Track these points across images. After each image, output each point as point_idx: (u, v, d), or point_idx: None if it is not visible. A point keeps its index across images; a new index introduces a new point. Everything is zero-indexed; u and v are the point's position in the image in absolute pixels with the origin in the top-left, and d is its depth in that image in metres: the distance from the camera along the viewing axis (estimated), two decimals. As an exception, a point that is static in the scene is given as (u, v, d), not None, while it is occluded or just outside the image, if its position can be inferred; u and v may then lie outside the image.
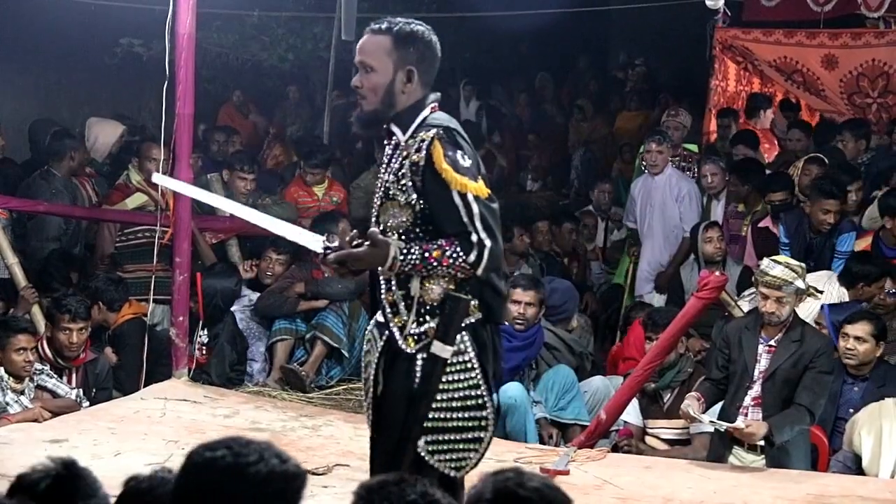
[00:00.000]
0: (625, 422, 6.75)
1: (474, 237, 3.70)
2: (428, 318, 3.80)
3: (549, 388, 7.02)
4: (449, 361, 3.75)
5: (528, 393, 6.85)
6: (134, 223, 8.14)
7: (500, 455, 6.03)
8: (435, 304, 3.78)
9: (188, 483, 2.64)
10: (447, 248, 3.72)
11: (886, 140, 9.41)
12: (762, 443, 5.94)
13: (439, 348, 3.74)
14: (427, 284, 3.78)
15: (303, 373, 7.69)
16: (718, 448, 6.20)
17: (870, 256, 7.29)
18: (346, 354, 7.96)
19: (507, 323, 7.01)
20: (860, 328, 6.32)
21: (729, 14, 10.41)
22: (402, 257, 3.72)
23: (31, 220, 8.27)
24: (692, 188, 9.01)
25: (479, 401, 3.81)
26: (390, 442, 3.84)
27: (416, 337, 3.82)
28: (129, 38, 12.02)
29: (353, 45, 4.21)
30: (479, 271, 3.72)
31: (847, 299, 7.02)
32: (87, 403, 6.62)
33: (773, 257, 6.23)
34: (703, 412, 6.07)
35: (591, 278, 9.95)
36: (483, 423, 3.83)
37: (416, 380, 3.79)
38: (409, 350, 3.81)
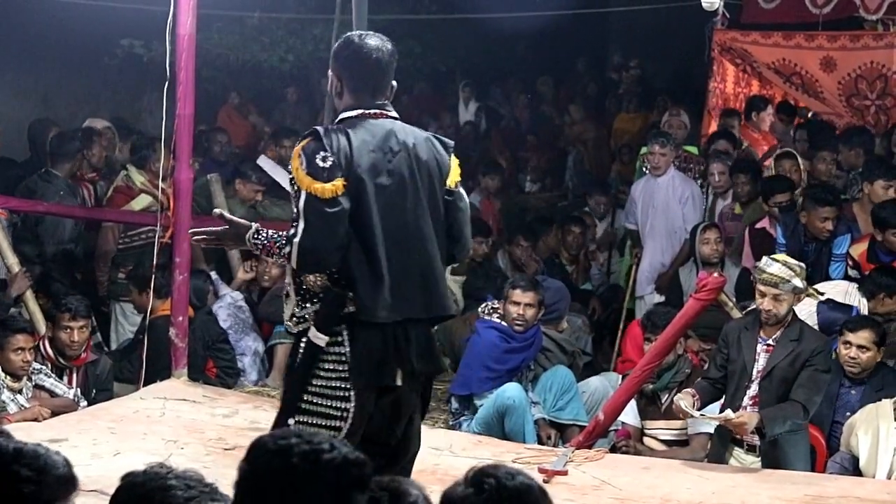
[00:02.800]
0: (623, 422, 6.76)
1: (291, 231, 3.94)
2: (308, 304, 4.05)
3: (548, 389, 7.03)
4: (326, 350, 3.97)
5: (527, 393, 6.87)
6: (136, 224, 8.15)
7: (499, 455, 6.05)
8: (317, 291, 4.02)
9: (262, 470, 2.65)
10: (282, 238, 4.00)
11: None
12: (758, 441, 5.96)
13: (314, 335, 3.99)
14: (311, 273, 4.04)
15: None
16: (718, 449, 6.22)
17: (893, 270, 7.26)
18: None
19: (505, 324, 7.05)
20: (863, 336, 6.32)
21: (727, 16, 10.42)
22: (254, 238, 4.06)
23: (40, 223, 8.22)
24: (695, 190, 9.04)
25: (345, 393, 3.99)
26: (277, 413, 4.15)
27: (297, 319, 4.09)
28: (130, 39, 12.03)
29: None
30: (293, 264, 3.97)
31: (865, 310, 6.98)
32: (85, 403, 6.63)
33: (772, 255, 6.25)
34: (699, 409, 6.09)
35: (591, 280, 9.96)
36: (343, 415, 4.00)
37: (298, 360, 4.06)
38: (292, 329, 4.10)
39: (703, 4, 7.53)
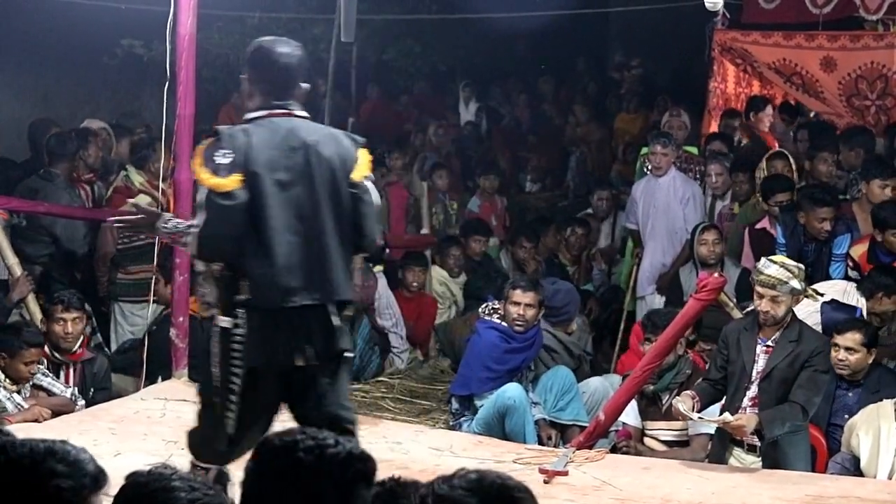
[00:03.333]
0: (623, 423, 6.76)
1: (192, 222, 4.31)
2: (214, 291, 4.39)
3: (548, 389, 7.03)
4: (229, 332, 4.29)
5: (527, 394, 6.87)
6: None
7: (500, 456, 6.06)
8: (219, 279, 4.34)
9: (268, 467, 2.67)
10: (186, 228, 4.34)
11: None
12: (758, 442, 5.96)
13: (220, 319, 4.33)
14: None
15: None
16: (718, 449, 6.22)
17: (893, 269, 7.26)
18: None
19: (505, 324, 7.05)
20: (850, 338, 6.30)
21: (728, 16, 10.41)
22: (163, 227, 4.39)
23: (56, 223, 8.20)
24: (696, 191, 9.03)
25: (240, 370, 4.31)
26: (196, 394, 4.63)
27: (205, 304, 4.49)
28: (130, 39, 12.02)
29: (353, 47, 4.47)
30: (193, 252, 4.33)
31: (864, 309, 6.98)
32: (83, 403, 6.62)
33: (770, 257, 6.24)
34: (699, 412, 6.09)
35: (592, 281, 9.97)
36: (237, 389, 4.33)
37: (208, 343, 4.40)
38: (203, 314, 4.55)
39: (707, 4, 7.52)
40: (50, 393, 6.52)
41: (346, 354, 4.52)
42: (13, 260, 7.40)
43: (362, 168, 4.49)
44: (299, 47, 4.51)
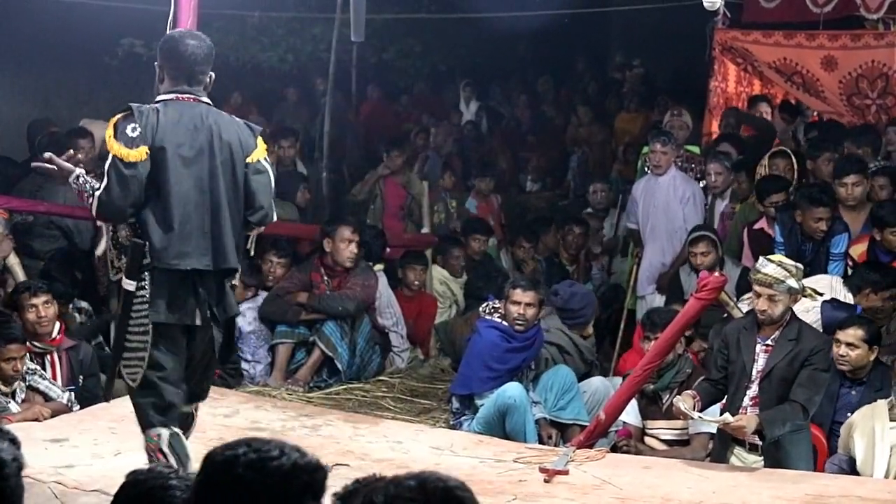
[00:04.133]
0: (624, 422, 6.76)
1: (96, 185, 4.70)
2: (123, 256, 4.80)
3: (549, 389, 7.03)
4: (136, 294, 4.72)
5: (528, 393, 6.87)
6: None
7: (500, 455, 6.06)
8: (126, 244, 4.77)
9: (210, 482, 2.62)
10: (93, 188, 4.71)
11: None
12: (759, 441, 5.96)
13: (124, 282, 4.75)
14: (122, 227, 4.80)
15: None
16: (719, 448, 6.22)
17: (881, 265, 7.27)
18: (340, 367, 7.96)
19: (506, 323, 7.05)
20: (851, 334, 6.31)
21: (728, 15, 10.41)
22: (74, 181, 4.75)
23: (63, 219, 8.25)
24: (696, 190, 9.02)
25: (144, 328, 4.74)
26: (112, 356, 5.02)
27: (115, 269, 4.88)
28: (130, 39, 12.03)
29: (354, 46, 4.55)
30: (93, 212, 4.74)
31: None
32: (78, 406, 6.58)
33: (768, 256, 6.24)
34: (700, 411, 6.09)
35: (591, 280, 9.97)
36: (146, 346, 4.75)
37: (119, 305, 4.84)
38: (113, 278, 4.91)
39: (705, 4, 7.52)
40: (47, 397, 6.49)
41: (222, 317, 4.92)
42: (14, 259, 7.46)
43: (259, 152, 4.92)
44: (206, 40, 4.91)
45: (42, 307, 6.66)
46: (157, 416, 4.80)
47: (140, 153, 4.66)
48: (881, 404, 6.00)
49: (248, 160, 4.88)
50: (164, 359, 4.78)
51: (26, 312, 6.66)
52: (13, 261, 7.47)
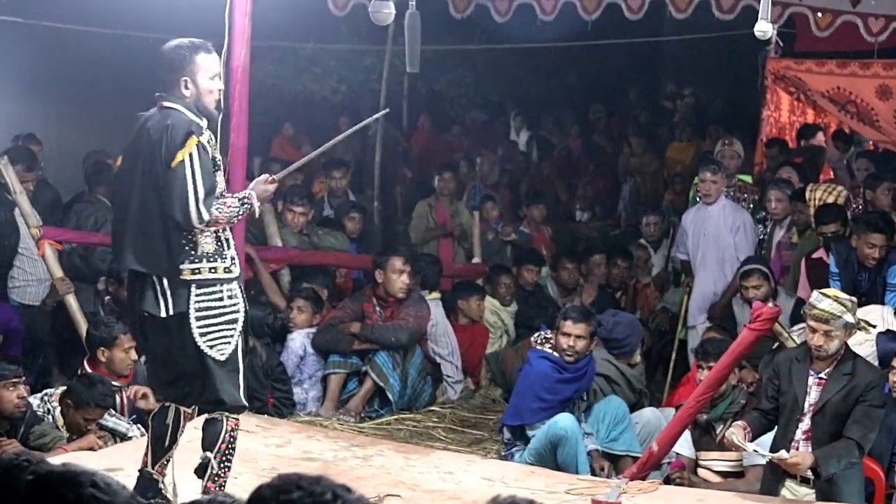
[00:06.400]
0: (677, 454, 6.70)
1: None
2: None
3: (601, 420, 7.00)
4: None
5: (580, 424, 6.84)
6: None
7: (552, 486, 6.03)
8: None
9: None
10: None
11: None
12: (811, 475, 5.88)
13: None
14: None
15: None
16: (771, 481, 6.14)
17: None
18: (392, 397, 7.96)
19: (557, 354, 7.03)
20: None
21: (781, 44, 10.38)
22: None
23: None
24: (747, 218, 8.97)
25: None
26: None
27: None
28: (185, 71, 12.16)
29: (406, 77, 4.52)
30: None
31: None
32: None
33: (822, 290, 6.16)
34: (750, 441, 6.02)
35: (644, 312, 9.91)
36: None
37: None
38: None
39: (757, 33, 7.49)
40: (115, 432, 6.57)
41: (153, 315, 4.99)
42: (58, 274, 7.68)
43: (181, 155, 4.87)
44: (182, 47, 4.99)
45: (133, 350, 6.79)
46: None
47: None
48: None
49: (171, 164, 4.86)
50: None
51: (121, 352, 6.78)
52: (71, 301, 7.61)
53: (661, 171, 13.34)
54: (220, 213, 4.87)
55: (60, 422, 6.39)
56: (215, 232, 4.97)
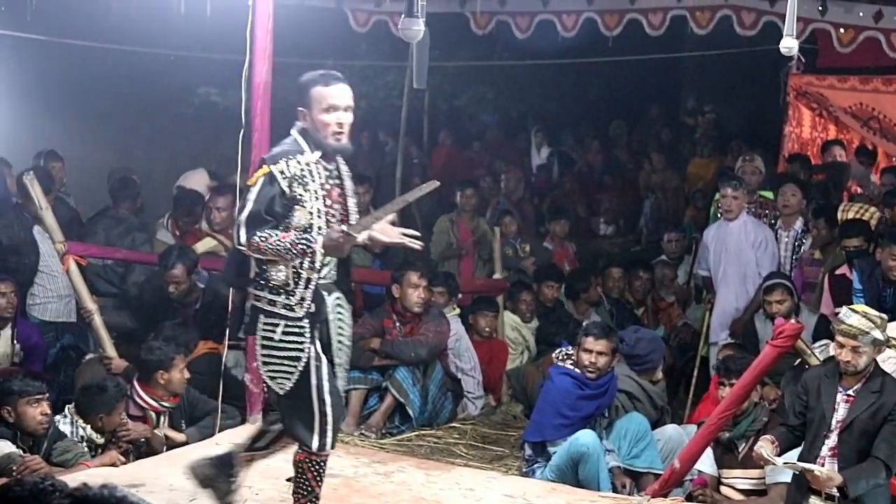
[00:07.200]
0: (699, 471, 6.67)
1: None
2: None
3: (623, 437, 6.97)
4: None
5: (601, 441, 6.81)
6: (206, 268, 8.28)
7: (573, 503, 6.00)
8: None
9: None
10: None
11: None
12: (836, 492, 5.84)
13: None
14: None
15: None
16: (795, 497, 6.10)
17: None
18: (412, 413, 7.95)
19: (578, 371, 7.01)
20: None
21: (803, 60, 10.35)
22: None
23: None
24: (768, 234, 8.95)
25: None
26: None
27: None
28: (207, 88, 12.24)
29: (425, 93, 4.61)
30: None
31: None
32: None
33: (852, 306, 6.12)
34: (778, 456, 5.98)
35: (667, 329, 9.88)
36: None
37: None
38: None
39: (782, 49, 7.47)
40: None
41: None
42: (90, 305, 7.60)
43: (254, 178, 4.98)
44: (305, 79, 5.27)
45: (186, 369, 6.97)
46: None
47: None
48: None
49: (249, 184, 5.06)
50: None
51: (177, 372, 6.91)
52: (98, 324, 7.64)
53: (682, 187, 13.32)
54: (262, 242, 4.84)
55: (92, 434, 6.46)
56: (294, 267, 4.94)
